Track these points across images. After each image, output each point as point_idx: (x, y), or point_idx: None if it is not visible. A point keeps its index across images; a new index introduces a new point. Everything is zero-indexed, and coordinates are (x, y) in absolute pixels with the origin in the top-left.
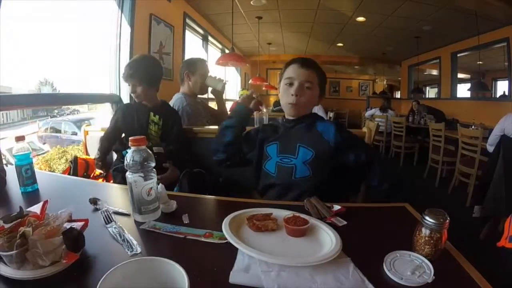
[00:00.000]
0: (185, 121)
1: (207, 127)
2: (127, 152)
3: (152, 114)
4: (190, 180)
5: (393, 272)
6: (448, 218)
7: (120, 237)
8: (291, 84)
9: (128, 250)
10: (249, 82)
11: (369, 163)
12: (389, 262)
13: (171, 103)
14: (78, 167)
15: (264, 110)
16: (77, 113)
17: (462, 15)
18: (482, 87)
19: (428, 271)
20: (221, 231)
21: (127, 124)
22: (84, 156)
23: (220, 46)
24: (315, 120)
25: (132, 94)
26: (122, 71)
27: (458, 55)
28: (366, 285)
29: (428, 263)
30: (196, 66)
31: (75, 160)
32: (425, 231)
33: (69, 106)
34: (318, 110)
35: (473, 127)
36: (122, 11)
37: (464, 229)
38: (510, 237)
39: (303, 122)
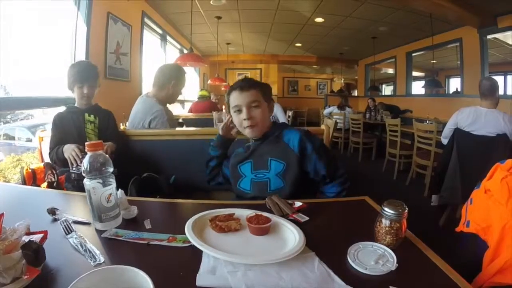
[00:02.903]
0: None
1: (143, 130)
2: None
3: (87, 114)
4: (138, 188)
5: (358, 263)
6: (407, 208)
7: (82, 248)
8: (239, 111)
9: (91, 260)
10: (208, 82)
11: (327, 180)
12: (353, 253)
13: (143, 108)
14: (25, 179)
15: (224, 110)
16: (31, 118)
17: (417, 17)
18: (435, 84)
19: (391, 260)
20: (185, 234)
21: (65, 130)
22: (35, 166)
23: (178, 46)
24: (281, 131)
25: (83, 98)
26: (74, 73)
27: (413, 54)
28: (332, 277)
29: (390, 252)
30: (183, 77)
31: (22, 171)
32: (385, 222)
33: (23, 111)
34: (276, 110)
35: (427, 121)
36: (78, 9)
37: (424, 218)
38: (467, 222)
39: (270, 137)
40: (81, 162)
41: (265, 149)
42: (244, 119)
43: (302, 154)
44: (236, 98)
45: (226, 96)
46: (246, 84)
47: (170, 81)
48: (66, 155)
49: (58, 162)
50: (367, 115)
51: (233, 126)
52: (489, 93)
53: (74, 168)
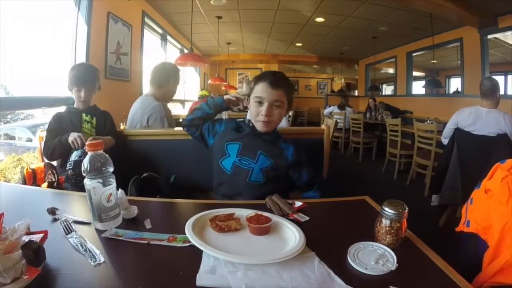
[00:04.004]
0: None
1: (142, 130)
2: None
3: (84, 114)
4: (138, 188)
5: (358, 263)
6: (407, 208)
7: (82, 247)
8: (260, 103)
9: (91, 260)
10: (208, 82)
11: (307, 185)
12: (353, 253)
13: (142, 106)
14: (26, 179)
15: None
16: (32, 117)
17: (418, 16)
18: (436, 84)
19: (391, 259)
20: (185, 234)
21: (63, 128)
22: (35, 166)
23: (179, 46)
24: (279, 137)
25: (79, 101)
26: (72, 76)
27: (413, 54)
28: (332, 277)
29: (390, 252)
30: (179, 75)
31: (22, 171)
32: (385, 222)
33: (23, 111)
34: None
35: (428, 121)
36: (79, 9)
37: (424, 218)
38: (467, 222)
39: (269, 136)
40: (82, 147)
41: (259, 142)
42: (262, 114)
43: (294, 163)
44: (262, 91)
45: (253, 80)
46: (276, 82)
47: (169, 79)
48: (70, 140)
49: (58, 147)
50: (368, 115)
51: (239, 104)
52: (490, 93)
53: (74, 153)
